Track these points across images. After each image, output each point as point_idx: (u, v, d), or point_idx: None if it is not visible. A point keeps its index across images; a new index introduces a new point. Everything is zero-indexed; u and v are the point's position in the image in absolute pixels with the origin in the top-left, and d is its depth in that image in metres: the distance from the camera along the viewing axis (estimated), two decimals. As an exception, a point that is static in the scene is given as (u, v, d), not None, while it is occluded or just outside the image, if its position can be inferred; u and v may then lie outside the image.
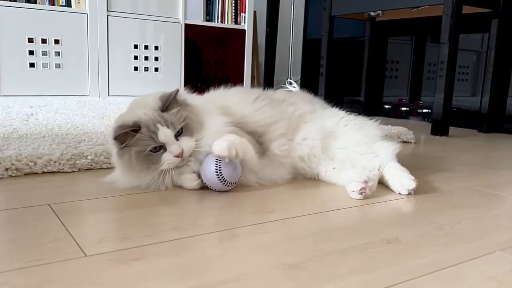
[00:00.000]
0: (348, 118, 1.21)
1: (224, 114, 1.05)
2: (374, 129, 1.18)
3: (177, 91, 0.99)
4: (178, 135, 0.96)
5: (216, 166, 0.94)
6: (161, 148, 0.95)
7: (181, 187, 1.00)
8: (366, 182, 0.98)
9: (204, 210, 0.88)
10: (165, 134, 0.94)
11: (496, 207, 0.99)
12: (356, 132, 1.15)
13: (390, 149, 1.12)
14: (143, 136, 0.94)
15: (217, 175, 0.94)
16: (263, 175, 1.05)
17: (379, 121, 1.23)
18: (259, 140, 1.07)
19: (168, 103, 0.97)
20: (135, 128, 0.94)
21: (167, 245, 0.69)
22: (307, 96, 1.30)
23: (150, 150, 0.94)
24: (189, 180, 0.98)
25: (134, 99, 1.08)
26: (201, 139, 0.98)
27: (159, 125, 0.94)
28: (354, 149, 1.12)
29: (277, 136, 1.09)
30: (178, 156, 0.94)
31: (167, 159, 0.95)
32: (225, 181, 0.95)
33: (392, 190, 1.06)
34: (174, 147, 0.94)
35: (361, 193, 0.97)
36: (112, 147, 1.03)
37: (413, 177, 1.04)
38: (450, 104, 2.09)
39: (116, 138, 0.95)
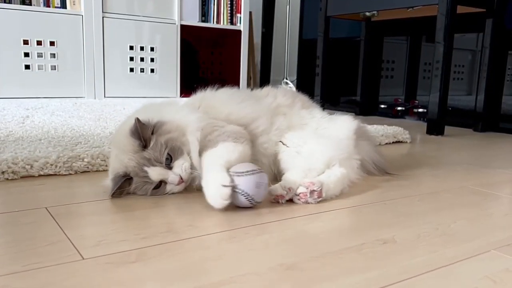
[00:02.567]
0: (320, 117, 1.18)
1: (206, 112, 1.04)
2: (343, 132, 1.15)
3: (137, 120, 0.91)
4: (169, 162, 0.93)
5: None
6: (161, 182, 0.93)
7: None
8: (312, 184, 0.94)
9: (200, 212, 0.88)
10: (156, 173, 0.91)
11: (492, 206, 1.00)
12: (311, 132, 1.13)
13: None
14: (139, 183, 0.93)
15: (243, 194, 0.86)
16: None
17: (352, 131, 1.16)
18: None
19: (143, 138, 0.92)
20: (128, 178, 0.93)
21: (164, 247, 0.69)
22: (290, 92, 1.28)
23: (153, 188, 0.94)
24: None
25: (113, 137, 1.05)
26: (193, 151, 0.95)
27: (146, 168, 0.91)
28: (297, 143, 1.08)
29: (260, 132, 1.07)
30: (179, 184, 0.93)
31: (172, 188, 0.94)
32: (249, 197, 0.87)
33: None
34: (171, 178, 0.92)
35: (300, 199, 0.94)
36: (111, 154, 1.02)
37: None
38: (446, 104, 2.10)
39: (113, 195, 0.93)
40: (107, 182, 0.96)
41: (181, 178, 0.93)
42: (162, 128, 0.95)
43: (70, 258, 0.64)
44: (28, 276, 0.58)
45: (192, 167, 0.95)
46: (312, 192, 0.93)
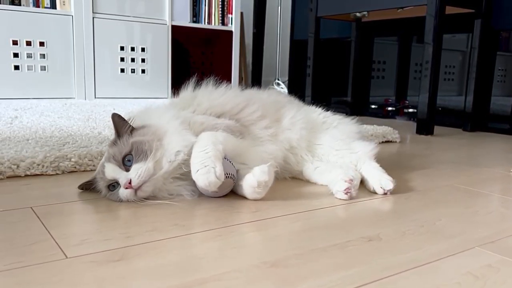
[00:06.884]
0: (326, 114, 1.24)
1: (187, 106, 1.05)
2: (351, 126, 1.22)
3: (113, 115, 0.92)
4: (129, 165, 0.87)
5: None
6: (116, 183, 0.89)
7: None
8: (351, 180, 0.98)
9: (187, 211, 0.88)
10: (110, 169, 0.87)
11: (477, 204, 1.01)
12: (335, 129, 1.18)
13: (368, 147, 1.14)
14: (97, 179, 0.92)
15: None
16: (248, 157, 1.00)
17: (356, 118, 1.27)
18: (233, 118, 1.05)
19: (116, 132, 0.91)
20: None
21: (149, 246, 0.69)
22: (282, 95, 1.33)
23: (110, 189, 0.89)
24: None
25: None
26: (161, 157, 0.89)
27: (105, 163, 0.89)
28: (331, 145, 1.14)
29: (255, 118, 1.08)
30: (127, 188, 0.85)
31: (125, 194, 0.86)
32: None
33: (367, 189, 1.07)
34: (121, 179, 0.86)
35: (346, 193, 0.97)
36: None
37: (391, 178, 1.05)
38: (435, 104, 2.11)
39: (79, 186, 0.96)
40: None
41: (130, 182, 0.85)
42: (139, 131, 0.93)
43: (53, 257, 0.64)
44: (10, 274, 0.58)
45: (155, 171, 0.88)
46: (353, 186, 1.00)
